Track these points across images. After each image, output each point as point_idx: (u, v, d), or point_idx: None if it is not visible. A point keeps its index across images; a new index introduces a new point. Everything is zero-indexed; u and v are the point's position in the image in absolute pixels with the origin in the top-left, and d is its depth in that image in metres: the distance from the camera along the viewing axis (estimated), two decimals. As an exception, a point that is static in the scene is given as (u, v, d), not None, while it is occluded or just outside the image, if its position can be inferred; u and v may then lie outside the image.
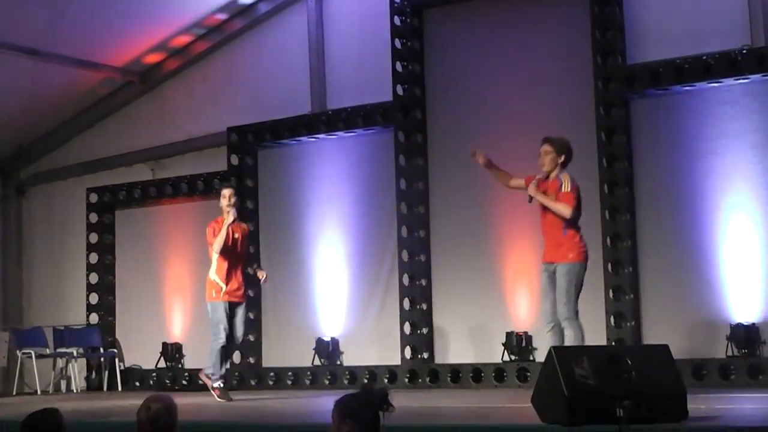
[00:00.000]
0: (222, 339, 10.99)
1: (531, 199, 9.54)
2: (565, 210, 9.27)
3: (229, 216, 10.99)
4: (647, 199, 12.27)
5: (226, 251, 11.01)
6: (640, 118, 12.41)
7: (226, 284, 11.02)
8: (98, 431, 8.52)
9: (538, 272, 9.76)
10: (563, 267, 9.29)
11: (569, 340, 9.12)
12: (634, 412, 6.14)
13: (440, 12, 13.82)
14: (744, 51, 11.79)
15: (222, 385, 11.00)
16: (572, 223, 9.35)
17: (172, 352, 15.15)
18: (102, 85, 16.31)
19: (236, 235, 11.12)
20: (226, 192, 11.16)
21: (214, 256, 11.08)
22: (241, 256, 11.24)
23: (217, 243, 10.97)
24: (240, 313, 11.13)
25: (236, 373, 14.39)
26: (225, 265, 11.04)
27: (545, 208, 9.44)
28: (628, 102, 12.42)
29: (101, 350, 15.41)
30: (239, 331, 11.13)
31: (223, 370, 11.11)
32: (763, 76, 11.70)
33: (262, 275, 11.37)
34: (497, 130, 13.11)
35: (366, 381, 12.85)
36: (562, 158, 9.46)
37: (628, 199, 12.20)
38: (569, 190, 9.32)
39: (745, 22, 11.95)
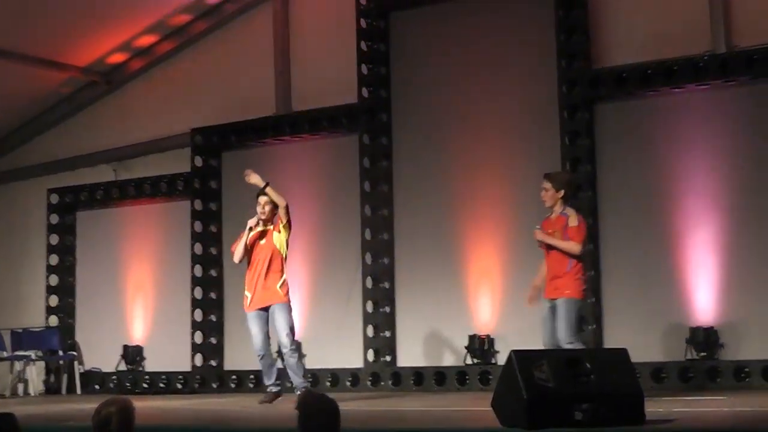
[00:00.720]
0: (257, 351, 10.55)
1: (540, 243, 9.52)
2: (574, 247, 9.33)
3: (251, 221, 10.57)
4: (610, 203, 12.30)
5: (251, 259, 10.56)
6: (604, 122, 12.44)
7: (252, 293, 10.52)
8: (55, 435, 8.44)
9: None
10: (563, 303, 9.30)
11: None
12: (593, 415, 6.16)
13: (406, 15, 13.81)
14: (706, 57, 11.87)
15: (271, 390, 10.56)
16: (578, 257, 9.39)
17: (132, 354, 15.07)
18: (65, 85, 16.22)
19: (262, 241, 10.53)
20: (261, 199, 10.64)
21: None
22: (270, 261, 10.48)
23: (235, 254, 10.63)
24: (277, 316, 10.39)
25: (197, 376, 14.35)
26: (249, 273, 10.57)
27: (549, 246, 9.46)
28: (592, 106, 12.45)
29: (60, 353, 15.31)
30: (281, 334, 10.37)
31: (270, 380, 10.57)
32: (723, 82, 11.79)
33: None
34: (462, 133, 13.15)
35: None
36: (562, 193, 9.47)
37: (591, 202, 12.23)
38: (576, 224, 9.37)
39: (708, 28, 12.03)
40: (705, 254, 11.70)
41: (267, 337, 10.55)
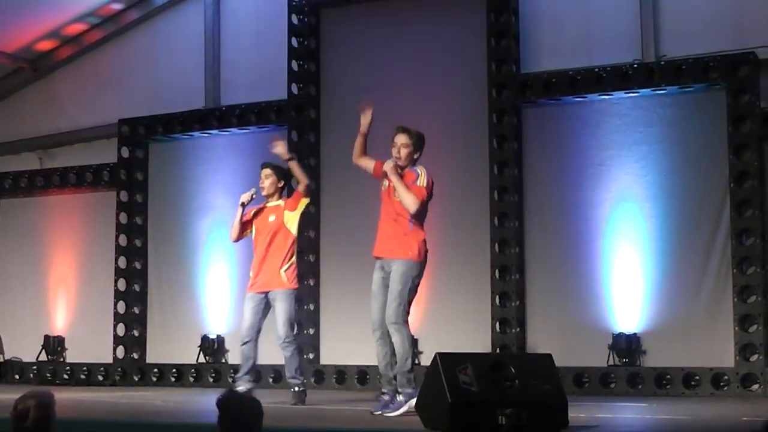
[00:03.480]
0: (242, 336, 9.79)
1: (385, 174, 8.71)
2: (414, 203, 8.39)
3: (244, 196, 9.91)
4: (536, 207, 12.40)
5: (256, 238, 9.87)
6: (532, 127, 12.55)
7: (255, 274, 9.79)
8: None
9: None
10: (401, 265, 8.41)
11: (396, 347, 8.37)
12: (516, 420, 6.21)
13: (337, 12, 13.80)
14: (635, 65, 12.02)
15: (244, 388, 9.54)
16: (419, 218, 8.56)
17: (54, 345, 14.90)
18: (-10, 71, 16.00)
19: (271, 218, 9.79)
20: (263, 172, 9.97)
21: None
22: (275, 241, 9.73)
23: (230, 232, 10.02)
24: (277, 304, 9.61)
25: (119, 369, 14.24)
26: (255, 253, 9.87)
27: (390, 197, 8.68)
28: (520, 110, 12.55)
29: (-20, 342, 15.12)
30: (278, 323, 9.59)
31: (242, 372, 9.82)
32: (652, 90, 11.93)
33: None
34: (390, 133, 13.09)
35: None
36: (418, 155, 8.76)
37: (517, 206, 12.32)
38: (424, 185, 8.54)
39: (637, 37, 12.22)
40: (629, 260, 11.83)
41: (257, 325, 9.74)
